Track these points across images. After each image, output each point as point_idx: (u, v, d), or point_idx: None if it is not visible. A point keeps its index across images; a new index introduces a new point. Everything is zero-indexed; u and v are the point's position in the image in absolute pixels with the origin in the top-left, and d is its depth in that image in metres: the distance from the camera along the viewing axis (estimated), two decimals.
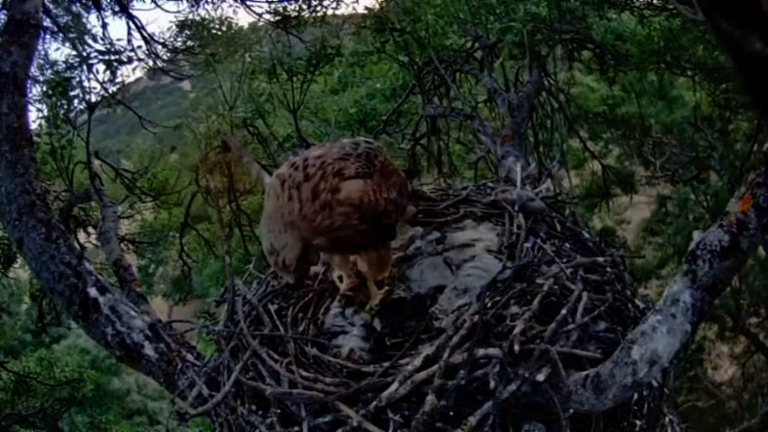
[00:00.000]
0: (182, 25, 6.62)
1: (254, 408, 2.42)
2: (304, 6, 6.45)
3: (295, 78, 6.53)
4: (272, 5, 6.44)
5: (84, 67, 5.96)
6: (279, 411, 2.35)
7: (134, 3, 6.26)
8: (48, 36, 5.77)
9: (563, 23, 5.23)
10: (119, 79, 6.22)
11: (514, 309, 2.38)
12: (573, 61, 6.79)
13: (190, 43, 6.71)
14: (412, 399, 2.17)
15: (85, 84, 6.01)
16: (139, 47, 6.38)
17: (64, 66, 5.99)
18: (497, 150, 4.59)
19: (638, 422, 2.42)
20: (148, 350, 2.94)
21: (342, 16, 7.09)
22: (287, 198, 2.42)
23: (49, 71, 5.97)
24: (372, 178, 2.50)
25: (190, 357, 2.95)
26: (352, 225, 2.43)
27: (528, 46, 5.34)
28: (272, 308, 2.82)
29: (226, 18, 6.79)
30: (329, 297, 2.85)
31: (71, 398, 7.36)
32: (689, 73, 6.34)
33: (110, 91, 6.13)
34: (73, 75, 6.00)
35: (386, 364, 2.32)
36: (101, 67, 6.00)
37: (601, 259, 2.68)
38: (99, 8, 6.02)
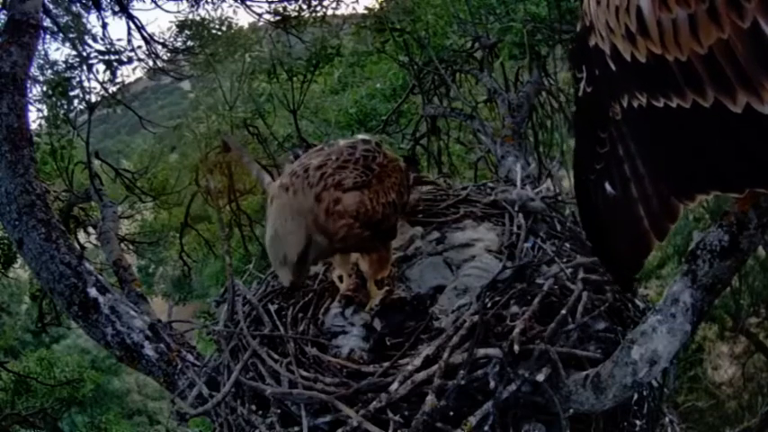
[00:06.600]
0: (182, 25, 6.61)
1: (254, 408, 2.42)
2: (304, 6, 6.45)
3: (295, 78, 6.54)
4: (272, 5, 6.44)
5: (84, 67, 5.96)
6: (279, 411, 2.35)
7: (134, 3, 6.25)
8: (48, 36, 5.76)
9: (563, 23, 5.21)
10: (119, 79, 6.21)
11: (514, 309, 2.38)
12: None
13: (190, 43, 6.71)
14: (412, 399, 2.18)
15: (85, 84, 6.01)
16: (139, 47, 6.37)
17: (64, 66, 5.98)
18: (497, 150, 4.58)
19: (638, 422, 2.42)
20: (148, 350, 2.94)
21: (342, 16, 7.10)
22: (293, 194, 2.50)
23: (49, 71, 5.97)
24: (370, 187, 2.59)
25: (190, 357, 2.94)
26: (355, 234, 2.53)
27: (528, 46, 5.33)
28: (272, 308, 2.82)
29: (226, 18, 6.78)
30: (329, 297, 2.85)
31: (71, 398, 7.36)
32: None
33: (110, 91, 6.12)
34: (73, 75, 6.00)
35: (386, 364, 2.32)
36: (101, 67, 5.99)
37: None
38: (99, 8, 6.01)
